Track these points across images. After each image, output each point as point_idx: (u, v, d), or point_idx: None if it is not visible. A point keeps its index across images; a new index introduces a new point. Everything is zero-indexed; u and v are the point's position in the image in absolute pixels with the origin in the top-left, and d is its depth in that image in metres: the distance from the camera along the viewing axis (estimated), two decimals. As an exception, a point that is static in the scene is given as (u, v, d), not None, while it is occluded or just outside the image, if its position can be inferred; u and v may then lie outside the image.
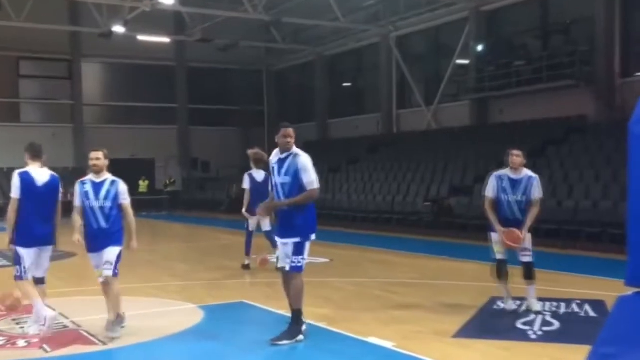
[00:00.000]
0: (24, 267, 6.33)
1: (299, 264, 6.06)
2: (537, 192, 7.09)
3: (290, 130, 6.56)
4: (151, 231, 20.83)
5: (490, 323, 6.88)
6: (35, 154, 6.53)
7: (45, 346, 5.96)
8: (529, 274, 7.14)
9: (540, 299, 7.46)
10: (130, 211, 6.46)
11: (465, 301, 7.91)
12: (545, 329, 6.45)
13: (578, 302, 7.61)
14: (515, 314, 7.05)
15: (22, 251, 6.32)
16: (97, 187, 6.31)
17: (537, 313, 6.99)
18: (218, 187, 29.77)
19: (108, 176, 6.39)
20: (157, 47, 28.93)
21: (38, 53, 28.55)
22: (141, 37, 26.59)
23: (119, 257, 6.49)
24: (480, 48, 21.86)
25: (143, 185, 27.16)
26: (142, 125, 30.66)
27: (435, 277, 10.13)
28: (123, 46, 27.33)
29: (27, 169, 6.42)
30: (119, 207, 6.37)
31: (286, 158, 6.48)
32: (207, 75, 31.88)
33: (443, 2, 22.54)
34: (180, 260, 13.33)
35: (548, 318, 6.87)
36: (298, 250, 6.06)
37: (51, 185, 6.50)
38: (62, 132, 29.32)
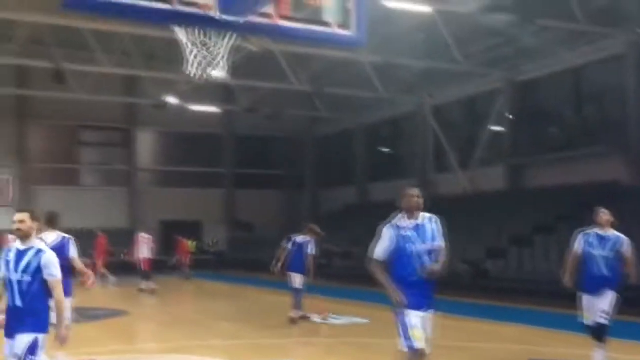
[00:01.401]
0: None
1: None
2: (628, 250, 6.99)
3: (418, 190, 5.94)
4: (197, 290, 21.73)
5: None
6: (50, 221, 7.94)
7: None
8: (600, 334, 6.93)
9: None
10: (58, 290, 5.16)
11: None
12: None
13: None
14: None
15: None
16: (19, 256, 5.14)
17: None
18: (262, 248, 30.68)
19: (36, 244, 5.20)
20: (206, 116, 30.57)
21: (97, 122, 30.46)
22: (192, 108, 28.29)
23: (31, 349, 5.08)
24: (513, 117, 22.65)
25: (191, 245, 28.24)
26: (190, 188, 32.16)
27: (473, 339, 10.15)
28: (175, 115, 29.04)
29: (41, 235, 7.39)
30: (44, 284, 5.13)
31: (424, 223, 5.88)
32: (252, 141, 33.45)
33: (478, 73, 23.58)
34: (225, 319, 13.57)
35: None
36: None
37: (59, 246, 7.55)
38: (118, 195, 31.00)
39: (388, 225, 5.87)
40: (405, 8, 17.49)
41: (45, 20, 19.70)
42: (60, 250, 7.65)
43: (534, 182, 21.96)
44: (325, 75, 27.15)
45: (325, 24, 4.52)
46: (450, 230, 18.73)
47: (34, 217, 5.21)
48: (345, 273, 21.85)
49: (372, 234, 22.66)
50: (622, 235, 7.12)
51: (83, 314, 13.64)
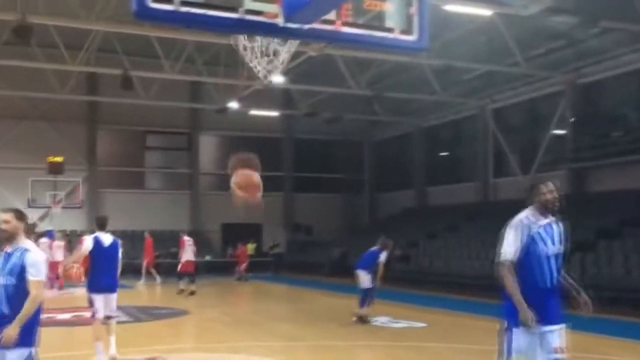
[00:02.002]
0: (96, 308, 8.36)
1: None
2: None
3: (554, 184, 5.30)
4: (256, 292, 22.13)
5: None
6: (102, 224, 8.92)
7: None
8: None
9: None
10: (34, 291, 4.65)
11: None
12: None
13: None
14: None
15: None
16: (6, 258, 4.80)
17: None
18: (320, 251, 31.04)
19: (22, 245, 4.81)
20: (267, 121, 31.15)
21: (162, 127, 31.47)
22: (253, 112, 28.86)
23: None
24: (576, 119, 22.22)
25: (251, 247, 28.74)
26: (251, 192, 32.68)
27: None
28: (236, 120, 29.69)
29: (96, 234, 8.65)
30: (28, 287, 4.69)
31: (551, 223, 5.18)
32: (312, 145, 33.84)
33: (539, 76, 23.23)
34: (285, 320, 13.75)
35: None
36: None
37: (114, 248, 8.69)
38: (180, 198, 31.88)
39: (516, 222, 5.03)
40: (465, 11, 17.41)
41: (114, 29, 20.53)
42: (115, 251, 8.70)
43: (597, 186, 21.49)
44: (384, 79, 27.24)
45: (387, 29, 4.62)
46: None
47: (19, 217, 4.82)
48: (403, 276, 21.86)
49: (430, 238, 23.09)
50: None
51: (147, 313, 14.24)
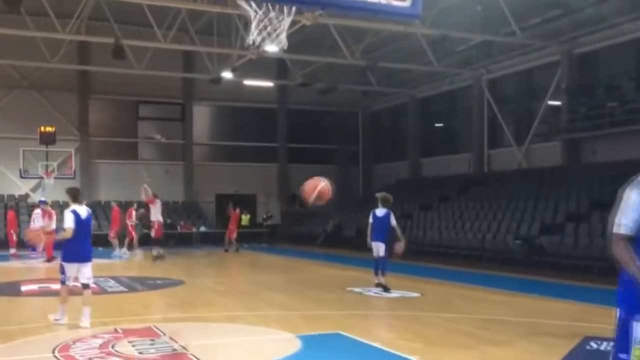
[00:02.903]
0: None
1: None
2: None
3: None
4: (252, 262, 22.19)
5: None
6: (76, 196, 9.17)
7: None
8: None
9: None
10: None
11: (557, 340, 7.83)
12: None
13: None
14: (609, 355, 6.83)
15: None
16: None
17: None
18: (314, 222, 31.11)
19: None
20: (261, 91, 30.91)
21: (155, 97, 31.15)
22: (247, 82, 28.61)
23: None
24: (571, 90, 22.13)
25: (245, 219, 28.76)
26: (245, 162, 32.66)
27: (526, 315, 10.06)
28: (230, 90, 29.47)
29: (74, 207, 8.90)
30: None
31: None
32: (306, 116, 33.67)
33: (535, 46, 23.07)
34: (279, 290, 13.74)
35: None
36: None
37: (89, 218, 9.11)
38: (174, 169, 31.73)
39: (634, 186, 3.87)
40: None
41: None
42: (90, 222, 9.18)
43: (591, 157, 21.51)
44: (378, 49, 27.01)
45: (380, -5, 4.52)
46: (504, 206, 18.72)
47: None
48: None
49: (424, 209, 23.09)
50: None
51: (142, 283, 14.26)
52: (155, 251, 18.86)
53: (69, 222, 8.81)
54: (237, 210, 25.26)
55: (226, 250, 24.64)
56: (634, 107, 19.19)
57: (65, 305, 8.99)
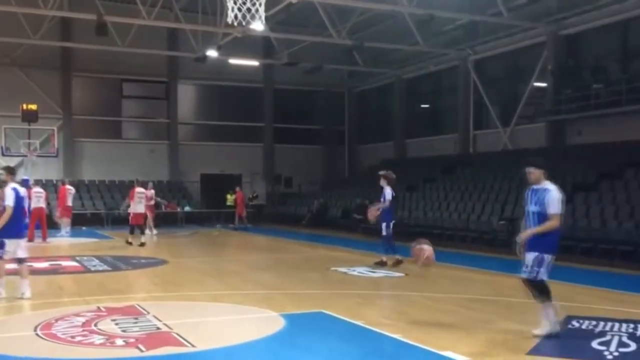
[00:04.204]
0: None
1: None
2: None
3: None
4: (237, 242, 22.18)
5: (566, 342, 6.80)
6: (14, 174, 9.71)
7: (140, 346, 6.46)
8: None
9: (617, 320, 7.59)
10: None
11: (540, 319, 7.87)
12: (621, 350, 6.36)
13: None
14: (591, 334, 7.00)
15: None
16: None
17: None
18: (299, 202, 31.10)
19: None
20: (246, 70, 30.65)
21: (139, 75, 30.79)
22: (232, 61, 28.31)
23: None
24: (557, 71, 22.15)
25: (230, 198, 28.69)
26: (230, 142, 32.49)
27: (509, 294, 9.99)
28: (215, 69, 29.23)
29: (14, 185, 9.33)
30: None
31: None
32: (292, 96, 33.49)
33: (521, 26, 23.02)
34: (264, 270, 13.77)
35: (625, 339, 6.78)
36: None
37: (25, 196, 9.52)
38: (159, 148, 31.47)
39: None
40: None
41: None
42: (25, 200, 9.56)
43: (576, 139, 21.61)
44: (365, 29, 26.85)
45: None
46: (489, 187, 18.78)
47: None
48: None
49: (409, 190, 23.16)
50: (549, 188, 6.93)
51: (126, 262, 14.19)
52: (143, 238, 18.36)
53: (10, 199, 9.17)
54: (241, 192, 27.47)
55: (245, 229, 25.77)
56: (619, 89, 19.25)
57: (3, 279, 9.35)
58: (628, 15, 19.90)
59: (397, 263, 13.24)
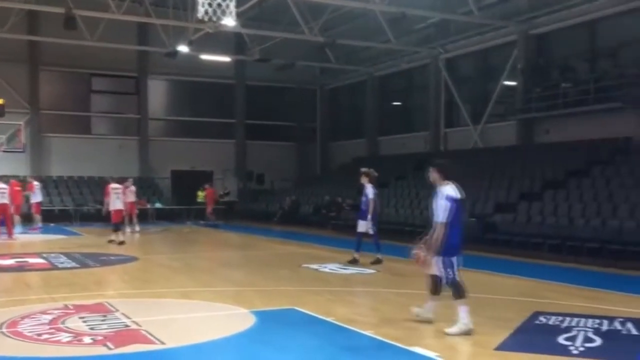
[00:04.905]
0: None
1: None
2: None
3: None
4: (207, 239, 22.02)
5: (533, 337, 6.92)
6: None
7: (108, 343, 6.36)
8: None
9: (583, 316, 7.73)
10: None
11: (508, 315, 8.03)
12: (587, 345, 6.49)
13: (621, 319, 7.63)
14: (558, 329, 7.15)
15: None
16: None
17: None
18: (271, 199, 31.01)
19: None
20: (218, 66, 30.43)
21: (108, 70, 30.33)
22: (204, 57, 28.06)
23: None
24: (526, 70, 22.40)
25: (201, 195, 28.50)
26: (201, 138, 32.24)
27: (479, 291, 9.98)
28: (186, 64, 28.93)
29: None
30: None
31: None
32: (264, 92, 33.33)
33: (492, 25, 23.24)
34: (235, 267, 13.79)
35: (590, 334, 6.90)
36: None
37: None
38: (129, 144, 31.06)
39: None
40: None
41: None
42: None
43: (545, 137, 21.88)
44: (337, 26, 26.85)
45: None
46: (460, 185, 18.84)
47: None
48: (353, 225, 21.98)
49: (380, 187, 23.10)
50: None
51: (95, 259, 13.99)
52: (122, 236, 18.04)
53: None
54: (211, 188, 27.37)
55: (214, 226, 25.49)
56: (587, 88, 19.54)
57: None
58: (596, 15, 20.19)
59: (377, 262, 13.27)
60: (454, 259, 7.10)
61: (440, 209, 6.99)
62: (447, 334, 6.91)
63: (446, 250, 7.04)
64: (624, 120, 18.80)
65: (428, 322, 7.37)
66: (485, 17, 22.66)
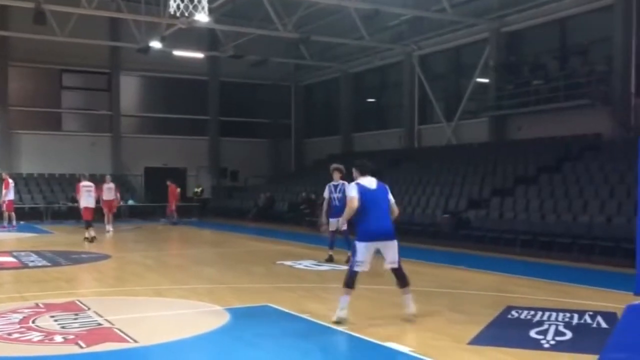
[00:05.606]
0: None
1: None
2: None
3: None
4: (181, 236, 21.86)
5: (505, 331, 7.00)
6: None
7: (80, 342, 6.28)
8: None
9: (554, 310, 7.82)
10: None
11: (481, 310, 8.10)
12: (558, 338, 6.57)
13: (591, 313, 7.72)
14: (530, 323, 7.25)
15: None
16: None
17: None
18: (246, 196, 30.90)
19: None
20: (191, 62, 30.20)
21: (79, 66, 29.92)
22: (177, 53, 27.78)
23: None
24: (498, 68, 22.63)
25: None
26: (175, 135, 32.00)
27: (452, 286, 10.29)
28: (159, 61, 28.66)
29: None
30: None
31: None
32: (238, 89, 33.19)
33: (465, 23, 23.44)
34: (209, 264, 13.66)
35: (561, 328, 6.99)
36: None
37: None
38: (101, 141, 30.70)
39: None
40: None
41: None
42: None
43: (517, 134, 22.14)
44: (311, 23, 26.83)
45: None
46: (434, 181, 19.06)
47: None
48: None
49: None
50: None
51: (66, 257, 13.80)
52: (93, 232, 17.72)
53: None
54: (172, 184, 25.81)
55: (174, 223, 24.88)
56: (557, 85, 19.81)
57: None
58: (566, 14, 20.50)
59: (331, 259, 13.09)
60: (364, 245, 7.30)
61: (349, 190, 7.70)
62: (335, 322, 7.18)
63: (359, 235, 7.42)
64: (593, 117, 19.10)
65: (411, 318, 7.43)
66: (457, 15, 22.84)
